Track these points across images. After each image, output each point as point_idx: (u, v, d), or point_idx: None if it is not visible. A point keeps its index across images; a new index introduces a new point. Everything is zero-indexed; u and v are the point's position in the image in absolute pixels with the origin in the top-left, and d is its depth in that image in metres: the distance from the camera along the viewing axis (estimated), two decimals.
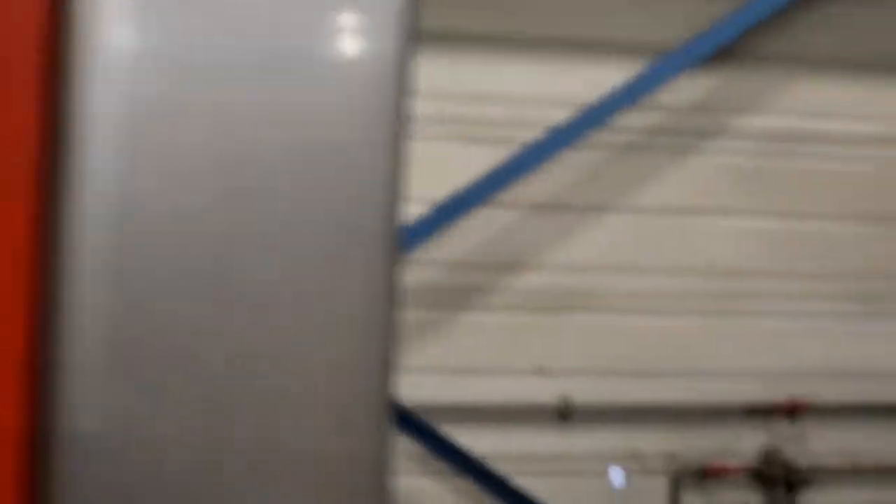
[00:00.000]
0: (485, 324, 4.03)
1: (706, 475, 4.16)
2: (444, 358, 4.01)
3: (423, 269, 3.95)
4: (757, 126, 4.26)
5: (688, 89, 4.16)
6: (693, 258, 4.18)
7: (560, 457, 4.10)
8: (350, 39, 1.52)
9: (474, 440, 3.97)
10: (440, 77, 3.81)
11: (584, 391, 4.07)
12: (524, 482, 3.96)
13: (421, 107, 3.90)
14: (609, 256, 4.11)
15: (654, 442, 4.17)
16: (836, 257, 4.33)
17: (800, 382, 4.28)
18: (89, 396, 1.37)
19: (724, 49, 4.07)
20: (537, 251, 4.06)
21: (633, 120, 4.11)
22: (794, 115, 4.28)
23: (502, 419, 4.04)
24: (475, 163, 3.89)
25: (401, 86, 1.50)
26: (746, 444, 4.23)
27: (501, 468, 3.95)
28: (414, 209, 3.86)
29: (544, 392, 4.06)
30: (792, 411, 4.25)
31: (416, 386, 3.95)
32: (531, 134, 3.92)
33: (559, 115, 3.93)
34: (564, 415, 4.05)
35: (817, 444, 4.31)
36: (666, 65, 3.99)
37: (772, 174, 4.27)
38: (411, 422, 3.85)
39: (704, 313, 4.19)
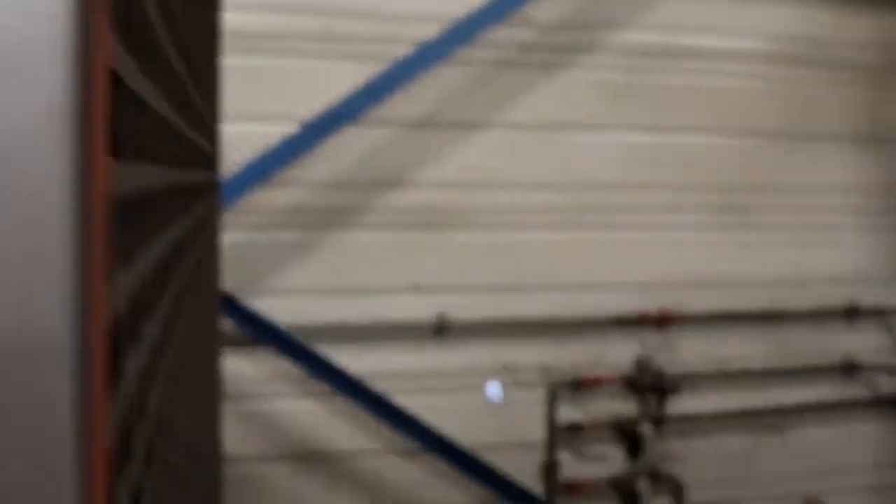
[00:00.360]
0: (359, 243, 4.01)
1: (581, 386, 4.26)
2: (319, 279, 3.98)
3: (294, 189, 3.90)
4: (627, 41, 4.30)
5: (559, 5, 4.16)
6: (564, 173, 4.23)
7: (437, 373, 4.14)
8: None
9: (352, 359, 3.98)
10: None
11: (459, 307, 4.11)
12: (403, 400, 4.00)
13: (289, 22, 3.84)
14: (482, 173, 4.12)
15: (530, 355, 4.24)
16: (702, 170, 4.44)
17: (669, 293, 4.40)
18: None
19: None
20: (410, 169, 4.04)
21: (504, 36, 4.09)
22: (663, 30, 4.33)
23: (379, 337, 4.05)
24: (345, 79, 3.83)
25: None
26: (619, 354, 4.35)
27: (380, 386, 3.97)
28: (282, 128, 3.79)
29: (420, 309, 4.08)
30: (661, 321, 4.38)
31: (293, 308, 3.93)
32: (402, 50, 3.87)
33: (430, 32, 3.89)
34: (441, 331, 4.09)
35: (686, 352, 4.46)
36: None
37: (641, 89, 4.32)
38: (288, 343, 3.83)
39: (576, 227, 4.25)
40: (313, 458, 4.07)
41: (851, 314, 4.71)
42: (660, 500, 4.48)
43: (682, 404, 4.43)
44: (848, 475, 4.85)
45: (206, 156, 2.04)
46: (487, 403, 4.21)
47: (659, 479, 4.39)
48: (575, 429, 4.26)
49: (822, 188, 4.67)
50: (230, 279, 3.75)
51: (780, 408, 4.64)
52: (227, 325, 3.72)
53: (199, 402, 2.08)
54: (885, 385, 4.82)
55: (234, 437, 3.94)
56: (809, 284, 4.65)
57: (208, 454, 2.33)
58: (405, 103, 3.99)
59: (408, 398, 4.04)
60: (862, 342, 4.77)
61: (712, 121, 4.45)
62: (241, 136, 3.69)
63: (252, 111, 3.73)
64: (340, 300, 4.01)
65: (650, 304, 4.37)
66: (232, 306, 3.68)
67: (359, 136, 3.95)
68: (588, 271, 4.29)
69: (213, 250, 2.52)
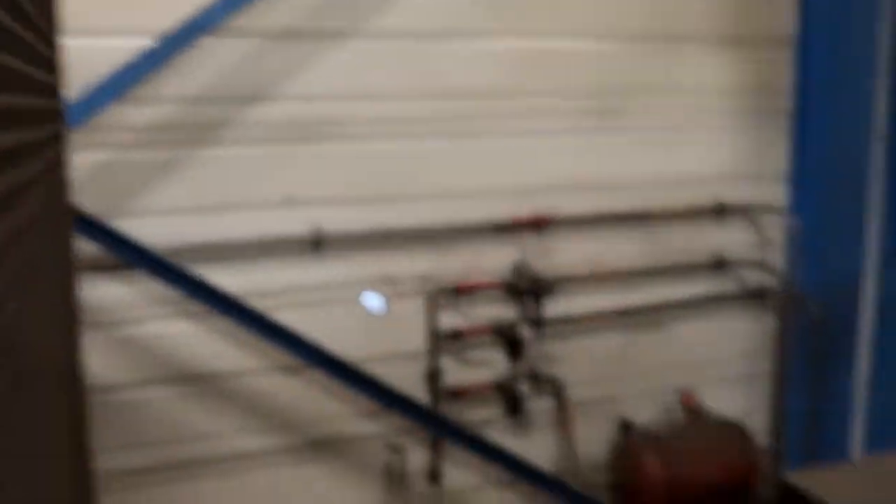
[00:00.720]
0: (227, 159, 3.90)
1: (459, 293, 4.30)
2: (187, 197, 3.87)
3: (154, 106, 3.75)
4: None
5: None
6: (436, 81, 4.18)
7: (316, 287, 4.11)
8: None
9: (229, 278, 3.91)
10: None
11: (334, 219, 4.07)
12: (283, 316, 3.96)
13: None
14: (352, 83, 4.04)
15: (408, 265, 4.25)
16: (572, 75, 4.46)
17: (543, 197, 4.45)
18: None
19: None
20: (276, 81, 3.92)
21: None
22: None
23: (255, 254, 3.99)
24: None
25: None
26: (496, 259, 4.40)
27: (259, 304, 3.92)
28: (139, 42, 3.62)
29: (294, 223, 4.02)
30: (537, 225, 4.44)
31: (163, 228, 3.82)
32: None
33: None
34: (317, 245, 4.05)
35: (562, 255, 4.54)
36: None
37: None
38: (160, 265, 3.73)
39: (449, 135, 4.23)
40: (196, 381, 4.02)
41: (719, 212, 4.86)
42: (541, 400, 4.61)
43: (560, 306, 4.53)
44: (720, 366, 5.07)
45: (44, 75, 1.92)
46: (368, 315, 4.21)
47: (539, 380, 4.51)
48: (456, 335, 4.32)
49: (691, 89, 4.75)
50: (94, 201, 3.63)
51: (655, 305, 4.79)
52: (93, 248, 3.60)
53: (52, 326, 2.01)
54: (752, 279, 5.03)
55: (114, 363, 3.87)
56: (679, 184, 4.77)
57: (67, 378, 2.27)
58: (267, 13, 3.86)
59: (288, 314, 4.00)
60: (730, 239, 4.95)
61: (581, 25, 4.46)
62: (93, 51, 3.52)
63: (106, 25, 3.56)
64: (211, 218, 3.92)
65: (525, 209, 4.41)
66: (95, 229, 3.55)
67: (220, 47, 3.81)
68: (462, 179, 4.29)
69: (58, 175, 2.41)
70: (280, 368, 4.10)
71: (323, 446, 4.28)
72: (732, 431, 4.78)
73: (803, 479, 2.43)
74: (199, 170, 3.87)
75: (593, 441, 4.77)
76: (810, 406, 4.98)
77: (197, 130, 3.85)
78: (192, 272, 3.79)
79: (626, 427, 4.75)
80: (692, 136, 4.79)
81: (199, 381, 4.03)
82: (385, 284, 4.22)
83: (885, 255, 4.82)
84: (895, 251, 4.89)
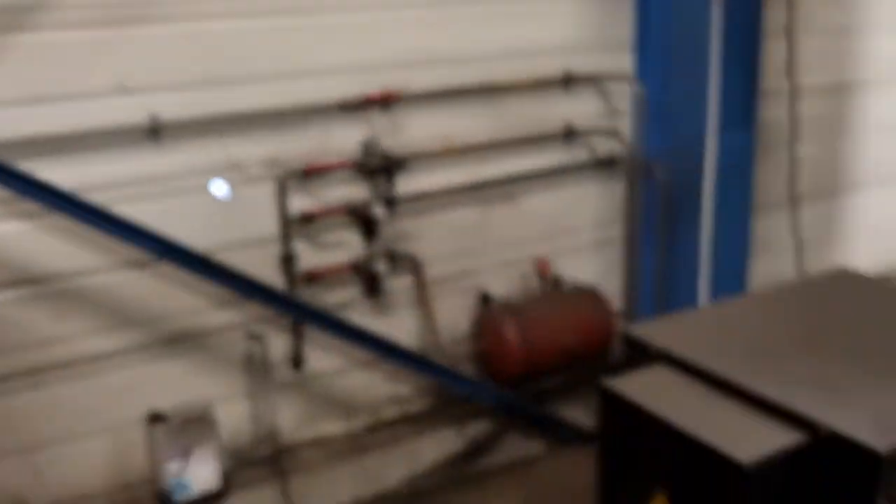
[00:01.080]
0: (49, 44, 3.62)
1: (309, 174, 4.20)
2: (9, 89, 3.60)
3: None
4: None
5: None
6: None
7: (158, 177, 3.93)
8: None
9: (62, 173, 3.69)
10: None
11: (172, 106, 3.87)
12: (125, 209, 3.78)
13: None
14: None
15: (254, 149, 4.11)
16: None
17: (391, 74, 4.35)
18: None
19: None
20: None
21: None
22: None
23: (88, 146, 3.76)
24: None
25: None
26: (345, 139, 4.31)
27: (97, 198, 3.73)
28: None
29: (129, 111, 3.80)
30: (385, 102, 4.34)
31: None
32: None
33: None
34: (155, 133, 3.85)
35: (412, 131, 4.48)
36: None
37: None
38: None
39: (290, 11, 4.05)
40: (36, 283, 3.82)
41: (567, 82, 4.87)
42: (399, 278, 4.62)
43: (413, 183, 4.49)
44: (573, 235, 5.18)
45: None
46: (215, 203, 4.08)
47: (396, 258, 4.50)
48: (308, 218, 4.23)
49: None
50: None
51: (508, 177, 4.82)
52: None
53: None
54: (602, 147, 5.11)
55: None
56: (527, 56, 4.74)
57: None
58: None
59: (130, 207, 3.83)
60: (579, 109, 4.98)
61: None
62: None
63: None
64: (37, 109, 3.66)
65: (373, 86, 4.31)
66: None
67: None
68: (306, 57, 4.13)
69: None
70: (125, 264, 3.94)
71: (179, 341, 4.18)
72: (587, 296, 4.93)
73: (643, 330, 2.51)
74: (20, 58, 3.59)
75: (454, 315, 4.83)
76: (660, 267, 5.17)
77: (13, 14, 3.55)
78: (19, 168, 3.55)
79: (485, 299, 4.83)
80: (538, 7, 4.74)
81: (39, 284, 3.83)
82: (231, 170, 4.08)
83: (724, 118, 4.96)
84: (733, 114, 5.04)
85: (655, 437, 2.12)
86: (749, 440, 1.97)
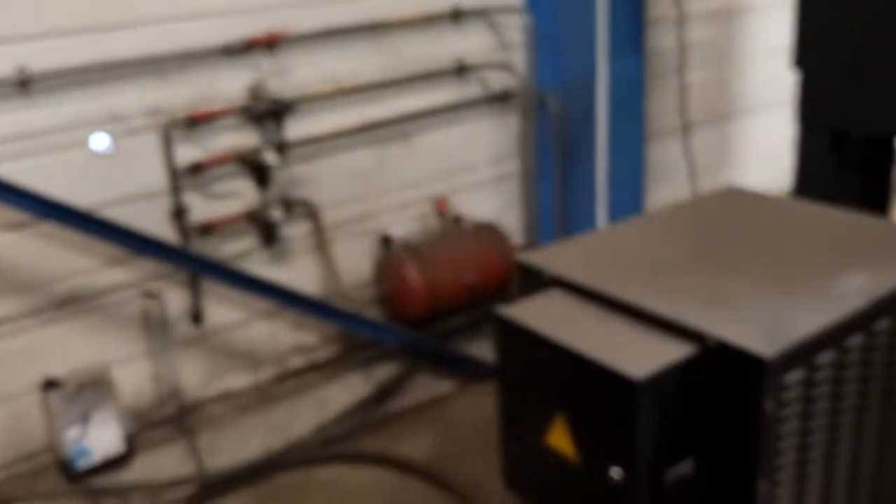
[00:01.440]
0: None
1: (196, 122, 4.07)
2: None
3: None
4: None
5: None
6: None
7: (32, 133, 3.74)
8: None
9: None
10: None
11: (42, 56, 3.67)
12: None
13: None
14: None
15: (134, 99, 3.95)
16: None
17: (274, 15, 4.22)
18: None
19: None
20: None
21: None
22: None
23: None
24: None
25: None
26: (231, 84, 4.17)
27: None
28: None
29: None
30: (271, 44, 4.22)
31: None
32: None
33: None
34: (24, 85, 3.66)
35: (300, 73, 4.37)
36: None
37: None
38: None
39: None
40: None
41: (456, 17, 4.81)
42: (297, 225, 4.54)
43: (304, 127, 4.40)
44: (470, 171, 5.16)
45: None
46: (97, 157, 3.91)
47: (292, 204, 4.42)
48: (197, 168, 4.11)
49: None
50: None
51: (401, 117, 4.75)
52: None
53: None
54: (495, 82, 5.08)
55: None
56: None
57: None
58: None
59: (4, 166, 3.65)
60: (469, 43, 4.93)
61: None
62: None
63: None
64: None
65: (257, 27, 4.17)
66: None
67: None
68: (185, 1, 3.97)
69: None
70: (2, 226, 3.76)
71: (72, 303, 4.03)
72: (487, 233, 4.93)
73: (536, 257, 2.51)
74: None
75: (355, 260, 4.78)
76: (559, 198, 5.20)
77: None
78: None
79: (385, 242, 4.79)
80: None
81: None
82: (112, 122, 3.91)
83: (614, 46, 4.97)
84: (623, 42, 5.05)
85: (550, 360, 2.13)
86: (639, 355, 1.99)
